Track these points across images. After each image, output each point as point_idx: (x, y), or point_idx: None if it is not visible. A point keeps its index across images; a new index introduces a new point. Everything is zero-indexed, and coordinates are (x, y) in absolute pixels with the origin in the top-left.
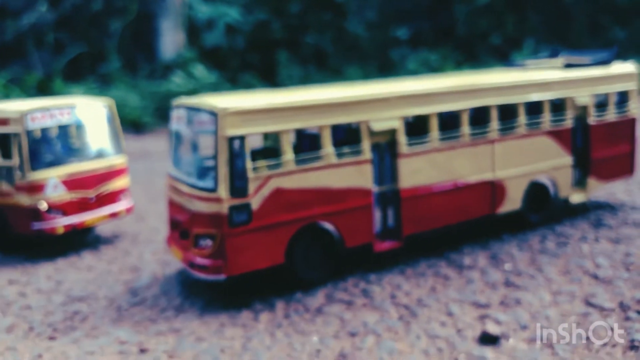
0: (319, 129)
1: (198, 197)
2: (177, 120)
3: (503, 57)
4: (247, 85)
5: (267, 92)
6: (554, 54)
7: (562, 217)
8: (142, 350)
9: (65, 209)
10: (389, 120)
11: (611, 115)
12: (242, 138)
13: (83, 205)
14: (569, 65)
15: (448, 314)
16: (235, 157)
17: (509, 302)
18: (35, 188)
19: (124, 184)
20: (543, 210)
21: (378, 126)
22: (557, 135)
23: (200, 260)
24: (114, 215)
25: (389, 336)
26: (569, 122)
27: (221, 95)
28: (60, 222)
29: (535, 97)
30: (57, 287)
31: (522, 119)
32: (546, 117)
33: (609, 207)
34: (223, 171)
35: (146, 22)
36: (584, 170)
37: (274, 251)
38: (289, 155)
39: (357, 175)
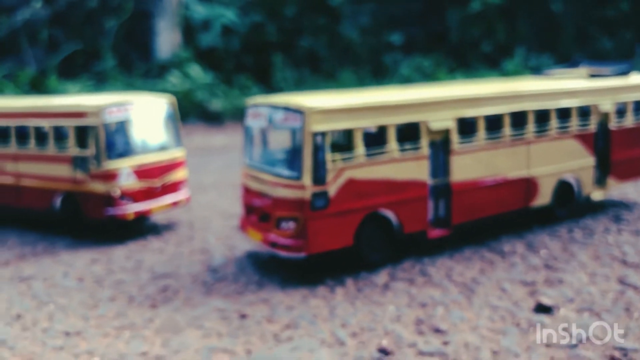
0: (386, 127)
1: (282, 184)
2: (255, 117)
3: (494, 65)
4: (242, 87)
5: (341, 93)
6: (574, 64)
7: (584, 212)
8: (243, 316)
9: (135, 196)
10: (445, 121)
11: (629, 121)
12: (324, 134)
13: (150, 194)
14: (593, 76)
15: (501, 290)
16: (318, 150)
17: (553, 281)
18: (110, 176)
19: (183, 175)
20: (568, 205)
21: (435, 126)
22: (582, 138)
23: (283, 241)
24: (175, 204)
25: (455, 307)
26: (592, 126)
27: (302, 95)
28: (131, 209)
29: (566, 103)
30: (139, 266)
31: (553, 123)
32: (574, 122)
33: (623, 205)
34: (307, 162)
35: (141, 21)
36: (604, 170)
37: (345, 234)
38: (360, 149)
39: (416, 169)
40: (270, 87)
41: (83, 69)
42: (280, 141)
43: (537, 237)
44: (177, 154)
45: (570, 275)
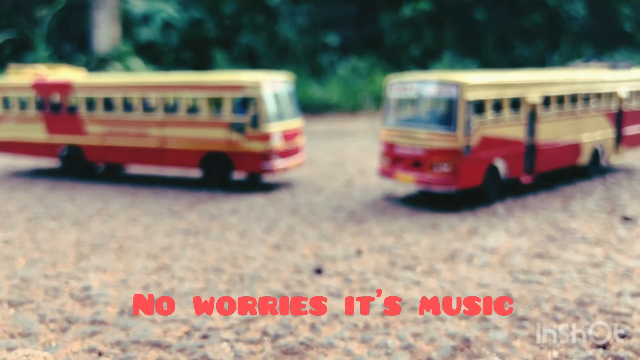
0: (503, 99)
1: (439, 138)
2: (401, 90)
3: (423, 67)
4: None
5: (469, 73)
6: (587, 60)
7: (605, 171)
8: (434, 224)
9: (281, 155)
10: (535, 97)
11: (635, 105)
12: (470, 101)
13: (288, 154)
14: (613, 68)
15: (589, 210)
16: (467, 112)
17: (617, 209)
18: (266, 137)
19: (302, 141)
20: (595, 166)
21: (530, 100)
22: (609, 116)
23: (437, 179)
24: (299, 164)
25: (568, 219)
26: (614, 108)
27: (443, 72)
28: (279, 164)
29: (601, 88)
30: (311, 202)
31: (592, 102)
32: (603, 104)
33: (624, 170)
34: (461, 121)
35: (77, 12)
36: (618, 140)
37: (477, 176)
38: (489, 114)
39: (518, 131)
40: None
41: (14, 59)
42: (432, 108)
43: (583, 185)
44: (299, 123)
45: (629, 202)
